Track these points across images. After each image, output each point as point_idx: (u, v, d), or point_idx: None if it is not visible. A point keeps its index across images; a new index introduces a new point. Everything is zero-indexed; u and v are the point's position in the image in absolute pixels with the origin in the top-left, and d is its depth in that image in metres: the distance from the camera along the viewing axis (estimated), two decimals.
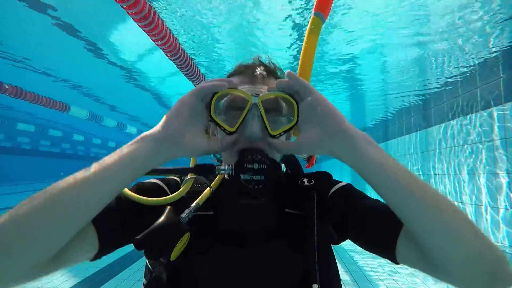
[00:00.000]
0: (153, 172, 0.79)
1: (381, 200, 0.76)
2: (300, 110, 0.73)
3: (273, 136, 0.75)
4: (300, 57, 0.87)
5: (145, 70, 5.67)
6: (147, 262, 0.81)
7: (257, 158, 0.72)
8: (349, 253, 5.37)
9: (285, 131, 0.76)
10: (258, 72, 0.81)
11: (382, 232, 0.72)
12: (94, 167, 0.60)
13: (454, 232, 0.57)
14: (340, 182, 0.89)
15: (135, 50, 4.76)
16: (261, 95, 0.75)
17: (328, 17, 0.87)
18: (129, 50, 4.76)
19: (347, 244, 0.84)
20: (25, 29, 4.17)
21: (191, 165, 0.84)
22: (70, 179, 0.58)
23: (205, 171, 0.79)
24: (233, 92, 0.76)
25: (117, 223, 0.75)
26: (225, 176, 0.88)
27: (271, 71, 0.86)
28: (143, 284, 0.80)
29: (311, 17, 0.87)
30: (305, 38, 0.88)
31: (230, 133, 0.75)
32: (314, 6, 0.87)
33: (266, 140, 0.77)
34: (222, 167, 0.75)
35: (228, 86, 0.75)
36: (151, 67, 5.45)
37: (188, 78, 4.21)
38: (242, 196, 0.82)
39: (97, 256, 0.71)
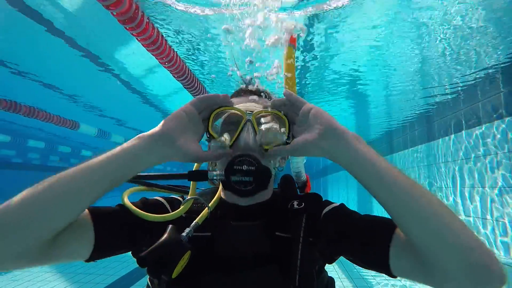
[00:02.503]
0: (151, 185, 0.88)
1: (374, 215, 0.82)
2: (297, 119, 0.79)
3: (266, 150, 0.79)
4: (284, 80, 1.03)
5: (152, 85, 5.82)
6: (148, 280, 0.86)
7: (246, 161, 0.76)
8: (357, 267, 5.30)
9: (277, 145, 0.79)
10: (253, 97, 0.91)
11: (373, 247, 0.74)
12: (95, 156, 0.66)
13: (441, 221, 0.59)
14: (333, 203, 0.92)
15: (142, 67, 4.88)
16: (254, 111, 0.83)
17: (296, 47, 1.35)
18: (136, 66, 4.88)
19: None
20: (37, 48, 4.37)
21: (191, 184, 0.90)
22: (57, 177, 0.63)
23: (199, 176, 0.84)
24: (229, 109, 0.82)
25: (115, 228, 0.77)
26: (222, 196, 0.92)
27: (264, 91, 0.96)
28: None
29: (287, 47, 1.25)
30: (284, 63, 1.11)
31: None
32: (289, 41, 1.29)
33: (259, 152, 0.81)
34: (214, 173, 0.80)
35: (224, 104, 0.80)
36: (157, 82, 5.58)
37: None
38: (236, 218, 0.86)
39: (92, 257, 0.72)
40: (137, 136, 0.70)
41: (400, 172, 0.66)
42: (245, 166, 0.76)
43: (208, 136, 0.83)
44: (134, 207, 0.79)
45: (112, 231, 0.76)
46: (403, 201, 0.62)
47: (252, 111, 0.82)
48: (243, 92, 0.94)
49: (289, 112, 0.81)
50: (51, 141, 12.75)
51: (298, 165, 0.98)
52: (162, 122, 0.71)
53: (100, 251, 0.73)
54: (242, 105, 0.87)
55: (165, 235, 0.72)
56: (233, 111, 0.82)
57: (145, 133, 0.70)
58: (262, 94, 0.94)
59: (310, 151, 0.74)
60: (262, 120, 0.83)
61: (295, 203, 0.88)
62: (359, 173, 0.68)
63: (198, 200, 0.87)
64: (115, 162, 0.66)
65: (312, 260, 0.85)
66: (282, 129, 0.82)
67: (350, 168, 0.69)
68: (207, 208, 0.84)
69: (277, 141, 0.79)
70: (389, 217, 0.69)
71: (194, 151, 0.72)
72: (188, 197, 0.86)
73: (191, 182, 0.89)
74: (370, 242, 0.75)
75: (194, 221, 0.80)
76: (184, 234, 0.76)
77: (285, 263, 0.80)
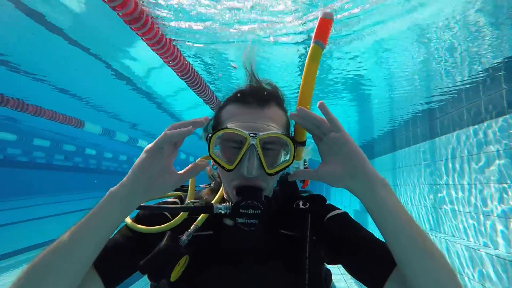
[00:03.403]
0: (152, 208, 0.86)
1: (374, 232, 0.84)
2: (325, 141, 0.76)
3: (270, 174, 0.78)
4: (301, 84, 0.87)
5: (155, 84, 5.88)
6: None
7: (252, 204, 0.76)
8: None
9: (280, 170, 0.80)
10: (257, 102, 0.82)
11: (374, 268, 0.78)
12: (69, 234, 0.65)
13: (443, 281, 0.65)
14: (337, 208, 0.94)
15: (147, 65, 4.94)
16: (259, 134, 0.76)
17: (326, 44, 0.89)
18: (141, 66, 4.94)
19: None
20: (43, 51, 4.45)
21: (190, 184, 0.91)
22: (51, 246, 0.64)
23: (203, 211, 0.83)
24: (231, 131, 0.77)
25: (121, 260, 0.79)
26: (224, 195, 0.92)
27: (272, 96, 0.86)
28: None
29: (311, 46, 0.87)
30: (305, 65, 0.87)
31: (228, 171, 0.78)
32: (313, 35, 0.88)
33: (263, 177, 0.80)
34: (220, 206, 0.81)
35: (226, 127, 0.77)
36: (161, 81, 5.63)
37: (199, 96, 4.40)
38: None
39: None
40: (108, 197, 0.68)
41: (415, 224, 0.69)
42: (251, 210, 0.76)
43: (213, 165, 0.84)
44: (137, 226, 0.82)
45: (118, 267, 0.79)
46: (408, 250, 0.67)
47: (256, 134, 0.76)
48: (248, 99, 0.83)
49: (312, 128, 0.78)
50: (56, 139, 12.90)
51: (298, 165, 0.96)
52: (130, 177, 0.70)
53: (111, 286, 0.78)
54: (245, 125, 0.79)
55: (162, 243, 0.75)
56: (235, 132, 0.77)
57: (116, 193, 0.68)
58: (270, 100, 0.85)
59: (335, 183, 0.75)
60: (267, 142, 0.80)
61: (301, 203, 0.90)
62: (378, 217, 0.71)
63: (196, 202, 0.88)
64: (96, 235, 0.67)
65: (319, 258, 0.88)
66: (286, 152, 0.83)
67: (371, 210, 0.72)
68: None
69: (281, 166, 0.80)
70: None
71: (172, 183, 0.73)
72: (189, 201, 0.88)
73: (189, 184, 0.92)
74: (372, 263, 0.79)
75: (194, 224, 0.84)
76: (183, 238, 0.80)
77: (290, 260, 0.83)
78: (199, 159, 0.81)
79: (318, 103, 0.75)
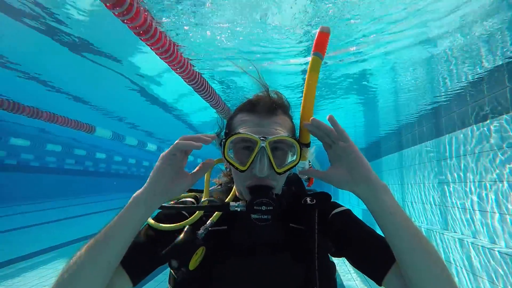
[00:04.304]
0: (173, 208, 0.95)
1: (375, 228, 0.92)
2: (333, 149, 0.85)
3: (279, 173, 0.88)
4: (303, 94, 0.94)
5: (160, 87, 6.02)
6: (170, 270, 0.95)
7: (264, 201, 0.84)
8: None
9: (289, 169, 0.89)
10: (265, 110, 0.91)
11: (376, 261, 0.87)
12: (100, 235, 0.75)
13: (436, 274, 0.74)
14: (341, 206, 1.03)
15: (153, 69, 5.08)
16: (268, 138, 0.85)
17: (325, 54, 0.96)
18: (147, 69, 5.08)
19: None
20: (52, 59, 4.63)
21: (205, 185, 1.01)
22: (85, 247, 0.75)
23: (220, 209, 0.92)
24: (243, 136, 0.87)
25: (145, 256, 0.88)
26: (237, 193, 1.01)
27: (278, 104, 0.95)
28: None
29: (312, 57, 0.93)
30: (307, 76, 0.93)
31: (241, 171, 0.87)
32: (313, 48, 0.94)
33: (273, 176, 0.89)
34: (236, 204, 0.89)
35: (238, 132, 0.88)
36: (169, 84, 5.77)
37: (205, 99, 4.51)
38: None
39: (134, 286, 0.85)
40: (132, 202, 0.78)
41: (414, 226, 0.79)
42: (264, 207, 0.84)
43: (227, 167, 0.95)
44: (159, 224, 0.92)
45: (143, 263, 0.88)
46: (407, 248, 0.77)
47: (266, 137, 0.85)
48: (257, 108, 0.92)
49: (323, 136, 0.86)
50: (68, 144, 13.20)
51: (304, 165, 1.02)
52: (151, 182, 0.79)
53: (138, 282, 0.87)
54: (256, 130, 0.88)
55: (181, 235, 0.84)
56: (247, 137, 0.86)
57: (139, 198, 0.78)
58: (277, 108, 0.93)
59: (341, 186, 0.84)
60: (276, 144, 0.89)
61: (308, 199, 0.98)
62: (379, 219, 0.80)
63: (212, 201, 0.96)
64: (122, 236, 0.77)
65: (326, 249, 0.97)
66: (293, 153, 0.92)
67: (373, 212, 0.81)
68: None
69: (289, 165, 0.90)
70: None
71: (186, 184, 0.83)
72: (204, 199, 0.97)
73: (205, 185, 1.02)
74: (374, 256, 0.88)
75: (210, 219, 0.93)
76: (200, 231, 0.89)
77: (300, 251, 0.90)
78: (206, 160, 0.89)
79: (327, 116, 0.84)
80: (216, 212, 0.94)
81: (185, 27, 3.01)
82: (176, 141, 0.79)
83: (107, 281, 0.77)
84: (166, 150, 0.80)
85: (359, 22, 3.12)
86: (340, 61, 4.18)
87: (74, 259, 0.74)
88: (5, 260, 6.23)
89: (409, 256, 0.76)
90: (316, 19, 3.04)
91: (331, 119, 0.84)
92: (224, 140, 0.90)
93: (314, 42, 0.95)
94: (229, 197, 0.99)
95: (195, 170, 0.86)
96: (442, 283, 0.75)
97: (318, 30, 0.95)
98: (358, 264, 0.92)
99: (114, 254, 0.76)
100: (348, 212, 1.01)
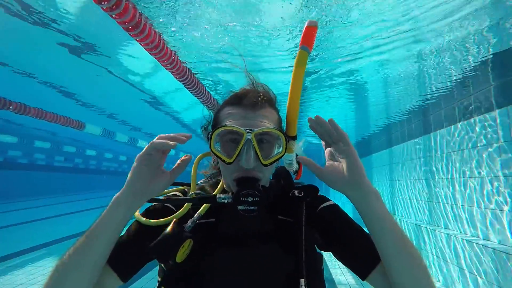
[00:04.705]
0: (161, 201, 0.96)
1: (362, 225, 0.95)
2: (333, 149, 0.88)
3: (265, 165, 0.88)
4: (290, 86, 0.94)
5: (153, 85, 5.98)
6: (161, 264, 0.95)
7: (251, 192, 0.85)
8: None
9: (274, 160, 0.90)
10: (251, 103, 0.90)
11: (363, 259, 0.90)
12: (84, 236, 0.77)
13: (418, 277, 0.79)
14: (329, 200, 1.05)
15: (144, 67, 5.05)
16: (254, 130, 0.86)
17: (312, 49, 0.96)
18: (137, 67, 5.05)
19: None
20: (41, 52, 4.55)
21: (192, 179, 1.01)
22: (71, 249, 0.76)
23: (207, 201, 0.93)
24: (229, 129, 0.87)
25: (132, 253, 0.89)
26: (224, 186, 1.01)
27: (265, 97, 0.95)
28: (158, 281, 0.94)
29: (298, 51, 0.94)
30: (294, 69, 0.94)
31: (228, 164, 0.87)
32: (300, 41, 0.94)
33: (259, 168, 0.89)
34: (223, 196, 0.89)
35: (224, 125, 0.87)
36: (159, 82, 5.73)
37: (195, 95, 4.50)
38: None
39: (124, 282, 0.87)
40: (113, 203, 0.79)
41: (401, 231, 0.83)
42: (250, 198, 0.85)
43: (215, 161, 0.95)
44: (146, 220, 0.92)
45: (131, 259, 0.89)
46: (392, 252, 0.81)
47: (251, 129, 0.86)
48: (243, 101, 0.92)
49: (323, 135, 0.89)
50: (57, 141, 12.99)
51: (292, 157, 1.03)
52: (129, 183, 0.80)
53: (128, 279, 0.89)
54: (242, 122, 0.89)
55: (168, 229, 0.84)
56: (233, 129, 0.87)
57: (120, 199, 0.79)
58: (263, 101, 0.93)
59: (334, 187, 0.86)
60: (262, 136, 0.90)
61: (296, 192, 0.98)
62: (368, 223, 0.84)
63: (200, 194, 0.96)
64: (104, 237, 0.78)
65: (313, 241, 0.98)
66: (279, 145, 0.92)
67: (363, 216, 0.84)
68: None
69: (275, 157, 0.90)
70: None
71: (165, 183, 0.84)
72: (192, 192, 0.97)
73: (191, 178, 1.02)
74: (361, 253, 0.90)
75: (197, 212, 0.93)
76: (187, 224, 0.90)
77: (287, 242, 0.91)
78: (184, 156, 0.88)
79: (328, 119, 0.86)
80: (204, 205, 0.95)
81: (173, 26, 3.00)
82: (152, 141, 0.80)
83: (95, 280, 0.78)
84: (142, 151, 0.80)
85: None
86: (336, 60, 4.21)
87: (61, 261, 0.76)
88: None
89: (394, 259, 0.80)
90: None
91: (332, 122, 0.85)
92: (210, 133, 0.90)
93: (302, 36, 0.95)
94: (216, 190, 1.00)
95: (173, 168, 0.86)
96: (423, 285, 0.79)
97: (305, 24, 0.95)
98: (344, 260, 0.94)
99: (98, 255, 0.77)
100: (336, 207, 1.02)
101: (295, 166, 1.12)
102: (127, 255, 0.88)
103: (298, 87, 0.94)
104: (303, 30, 0.95)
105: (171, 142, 0.78)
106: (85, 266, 0.75)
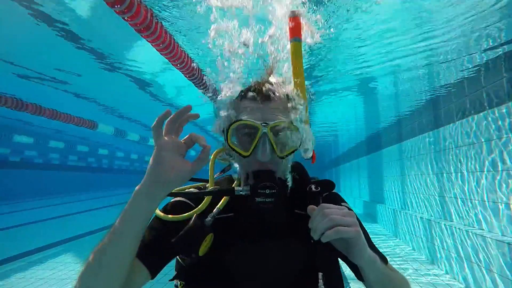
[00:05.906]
0: (180, 194, 0.97)
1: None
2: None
3: (281, 157, 0.89)
4: (293, 76, 0.94)
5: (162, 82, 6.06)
6: (178, 257, 0.97)
7: (268, 184, 0.86)
8: None
9: (290, 153, 0.91)
10: (265, 96, 0.91)
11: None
12: (110, 234, 0.75)
13: None
14: (345, 201, 1.07)
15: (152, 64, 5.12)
16: (269, 123, 0.87)
17: (302, 36, 0.95)
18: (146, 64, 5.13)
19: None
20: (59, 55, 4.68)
21: (209, 174, 1.01)
22: (99, 247, 0.75)
23: (226, 194, 0.94)
24: (245, 123, 0.89)
25: (160, 247, 0.89)
26: (241, 180, 0.99)
27: (278, 89, 0.93)
28: (175, 272, 0.97)
29: (291, 44, 0.94)
30: (292, 62, 0.93)
31: (245, 157, 0.89)
32: (289, 35, 0.94)
33: (275, 160, 0.90)
34: (240, 188, 0.90)
35: (239, 119, 0.89)
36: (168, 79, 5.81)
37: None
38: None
39: (152, 279, 0.88)
40: (135, 195, 0.75)
41: (385, 269, 0.90)
42: (268, 190, 0.86)
43: (229, 152, 0.96)
44: (166, 216, 0.93)
45: (159, 254, 0.89)
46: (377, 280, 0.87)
47: (267, 123, 0.87)
48: (257, 96, 0.92)
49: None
50: (70, 141, 13.28)
51: (308, 147, 1.02)
52: (150, 173, 0.75)
53: (157, 273, 0.89)
54: (257, 116, 0.89)
55: (190, 223, 0.86)
56: (249, 123, 0.88)
57: (141, 191, 0.75)
58: (278, 94, 0.93)
59: (336, 247, 0.86)
60: (277, 130, 0.90)
61: (313, 186, 0.98)
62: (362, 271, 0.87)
63: (221, 184, 0.98)
64: (131, 232, 0.76)
65: None
66: (295, 136, 0.92)
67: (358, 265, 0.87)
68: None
69: (291, 149, 0.91)
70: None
71: (187, 172, 0.78)
72: (210, 188, 0.98)
73: (210, 172, 1.01)
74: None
75: (216, 207, 0.94)
76: (208, 219, 0.91)
77: (304, 235, 0.89)
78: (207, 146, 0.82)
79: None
80: (222, 200, 0.97)
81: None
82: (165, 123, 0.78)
83: (124, 279, 0.78)
84: (155, 125, 0.76)
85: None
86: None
87: (90, 260, 0.75)
88: (10, 256, 6.37)
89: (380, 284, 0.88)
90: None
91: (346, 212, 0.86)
92: (226, 128, 0.92)
93: (289, 29, 0.95)
94: (234, 183, 1.02)
95: (198, 157, 0.80)
96: None
97: (288, 17, 0.95)
98: (348, 261, 0.95)
99: (127, 251, 0.76)
100: (352, 212, 1.02)
101: (310, 153, 1.08)
102: (155, 250, 0.89)
103: (302, 76, 0.95)
104: (288, 24, 0.95)
105: (183, 112, 0.78)
106: (114, 265, 0.75)
